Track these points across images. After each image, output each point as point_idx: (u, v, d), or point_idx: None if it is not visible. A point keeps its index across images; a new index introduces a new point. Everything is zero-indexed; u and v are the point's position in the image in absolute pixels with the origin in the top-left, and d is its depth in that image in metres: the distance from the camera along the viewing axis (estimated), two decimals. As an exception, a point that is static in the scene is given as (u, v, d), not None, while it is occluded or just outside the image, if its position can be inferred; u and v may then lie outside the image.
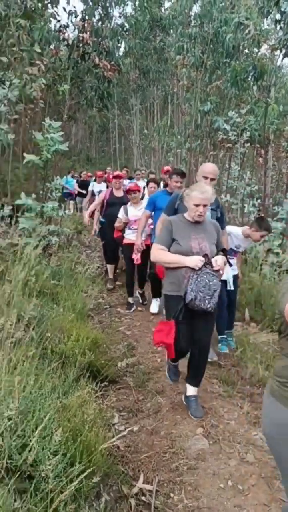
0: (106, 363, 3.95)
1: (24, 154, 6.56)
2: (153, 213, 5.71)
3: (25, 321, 3.29)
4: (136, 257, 5.99)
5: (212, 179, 4.22)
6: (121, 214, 6.41)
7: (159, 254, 3.43)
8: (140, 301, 6.64)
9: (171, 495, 2.82)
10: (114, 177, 7.16)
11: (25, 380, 2.57)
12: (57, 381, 3.08)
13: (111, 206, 6.95)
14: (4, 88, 6.86)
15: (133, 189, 6.43)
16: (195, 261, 3.23)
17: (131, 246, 6.10)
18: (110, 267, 7.52)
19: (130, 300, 6.46)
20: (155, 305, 6.20)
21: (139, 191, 6.58)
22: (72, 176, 16.75)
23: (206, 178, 4.15)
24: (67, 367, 3.42)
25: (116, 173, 7.50)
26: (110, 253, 7.41)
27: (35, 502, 2.00)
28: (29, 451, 2.12)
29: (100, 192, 8.93)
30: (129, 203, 6.54)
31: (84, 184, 13.62)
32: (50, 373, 3.07)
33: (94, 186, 10.22)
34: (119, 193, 7.09)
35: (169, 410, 3.73)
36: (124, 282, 6.99)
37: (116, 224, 6.42)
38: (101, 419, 3.02)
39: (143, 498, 2.74)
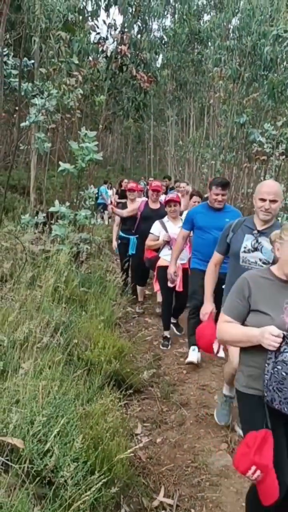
0: (132, 372, 3.93)
1: (60, 163, 6.68)
2: (191, 232, 4.75)
3: (53, 326, 3.32)
4: (176, 282, 5.06)
5: (272, 201, 3.04)
6: (156, 230, 5.55)
7: (226, 329, 2.26)
8: (176, 331, 5.78)
9: (192, 511, 2.77)
10: (152, 189, 6.46)
11: (49, 386, 2.59)
12: (82, 388, 3.09)
13: (146, 220, 6.19)
14: (42, 98, 7.03)
15: (174, 200, 5.45)
16: (269, 336, 2.00)
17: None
18: (140, 290, 6.87)
19: (167, 334, 5.43)
20: (194, 354, 4.66)
21: (179, 203, 5.60)
22: (110, 187, 16.87)
23: (263, 200, 3.04)
24: (92, 375, 3.42)
25: (155, 184, 6.80)
26: (142, 273, 6.70)
27: (53, 509, 2.00)
28: (50, 456, 2.12)
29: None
30: (166, 217, 5.61)
31: (125, 195, 13.20)
32: (75, 379, 3.08)
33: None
34: (155, 205, 6.40)
35: (193, 423, 3.68)
36: (153, 292, 6.84)
37: (150, 243, 5.59)
38: (124, 428, 3.00)
39: (163, 512, 2.71)
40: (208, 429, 3.60)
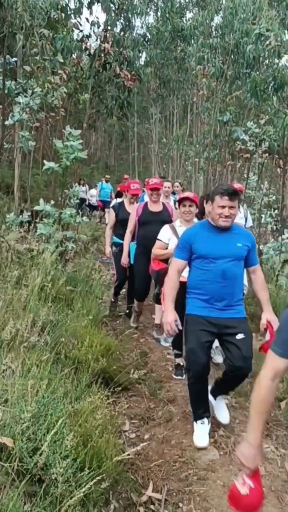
0: (119, 370, 3.96)
1: (44, 161, 6.67)
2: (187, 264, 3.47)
3: (40, 325, 3.33)
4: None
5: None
6: (165, 236, 4.50)
7: None
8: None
9: (180, 504, 2.82)
10: (152, 188, 5.33)
11: (38, 384, 2.61)
12: (70, 386, 3.11)
13: (144, 225, 5.27)
14: (26, 96, 7.00)
15: (190, 198, 4.37)
16: None
17: (182, 285, 3.48)
18: (138, 304, 5.68)
19: (180, 361, 4.46)
20: (203, 433, 3.39)
21: (197, 204, 4.45)
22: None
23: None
24: (80, 373, 3.44)
25: (154, 181, 5.48)
26: (143, 286, 5.48)
27: (44, 506, 2.02)
28: (40, 454, 2.14)
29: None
30: (177, 221, 4.55)
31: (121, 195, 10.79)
32: (63, 378, 3.09)
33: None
34: (156, 207, 5.36)
35: (180, 419, 3.72)
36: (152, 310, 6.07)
37: (157, 252, 4.57)
38: (112, 425, 3.03)
39: (151, 506, 2.74)
40: (195, 425, 3.65)
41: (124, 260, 5.58)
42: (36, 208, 6.48)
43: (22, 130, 7.37)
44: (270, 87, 8.69)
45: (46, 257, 5.11)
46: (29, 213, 6.99)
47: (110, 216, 6.12)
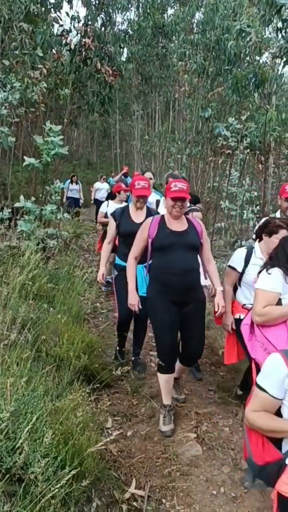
0: (101, 367, 3.94)
1: (24, 157, 6.58)
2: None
3: (20, 323, 3.28)
4: None
5: None
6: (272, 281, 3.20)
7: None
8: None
9: (163, 501, 2.81)
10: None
11: (18, 382, 2.56)
12: (51, 383, 3.07)
13: (162, 251, 3.48)
14: (5, 91, 6.89)
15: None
16: None
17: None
18: (163, 379, 3.63)
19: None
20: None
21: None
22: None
23: None
24: (61, 370, 3.40)
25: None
26: (167, 350, 3.55)
27: (24, 505, 1.98)
28: (20, 453, 2.11)
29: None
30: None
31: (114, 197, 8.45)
32: (44, 375, 3.05)
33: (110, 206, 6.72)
34: (180, 224, 3.52)
35: (163, 415, 3.71)
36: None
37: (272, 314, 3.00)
38: (94, 423, 3.00)
39: (134, 503, 2.73)
40: (178, 420, 3.65)
41: (132, 301, 3.71)
42: (17, 205, 6.40)
43: (1, 126, 7.25)
44: (251, 83, 8.69)
45: (27, 254, 5.04)
46: (10, 210, 6.89)
47: (109, 227, 4.57)
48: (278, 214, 3.96)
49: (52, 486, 2.04)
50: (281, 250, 2.85)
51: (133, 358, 4.63)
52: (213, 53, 11.27)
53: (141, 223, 3.83)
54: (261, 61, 9.80)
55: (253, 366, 2.95)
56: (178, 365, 3.71)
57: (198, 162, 12.67)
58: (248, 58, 10.08)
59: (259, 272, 2.97)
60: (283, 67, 8.69)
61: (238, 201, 8.66)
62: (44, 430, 2.32)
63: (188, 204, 3.98)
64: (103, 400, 3.23)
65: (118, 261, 4.51)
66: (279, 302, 2.77)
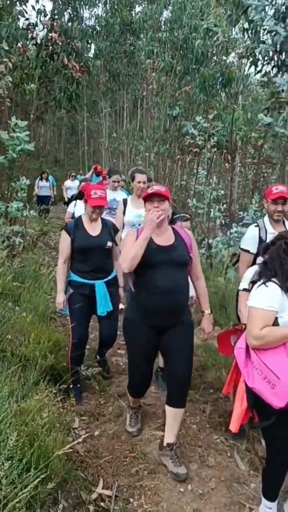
0: (68, 366, 3.88)
1: (-11, 153, 6.43)
2: None
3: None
4: None
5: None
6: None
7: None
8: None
9: (131, 500, 2.79)
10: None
11: (-19, 384, 2.49)
12: (16, 384, 3.00)
13: (146, 269, 2.95)
14: None
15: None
16: None
17: None
18: (133, 401, 3.45)
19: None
20: None
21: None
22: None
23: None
24: (27, 370, 3.33)
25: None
26: (141, 380, 3.24)
27: (-13, 510, 1.92)
28: (-17, 457, 2.04)
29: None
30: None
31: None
32: (9, 376, 2.98)
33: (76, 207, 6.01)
34: (166, 238, 3.04)
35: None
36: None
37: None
38: (61, 423, 2.95)
39: (102, 504, 2.70)
40: (145, 419, 3.64)
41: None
42: (-19, 201, 6.25)
43: None
44: (218, 82, 8.79)
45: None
46: (-26, 207, 6.72)
47: (62, 242, 3.91)
48: (266, 219, 3.59)
49: (17, 489, 1.99)
50: (278, 263, 2.41)
51: (98, 358, 4.44)
52: (181, 51, 11.33)
53: (98, 235, 3.87)
54: (228, 61, 9.90)
55: (244, 396, 2.60)
56: (170, 413, 3.07)
57: (166, 160, 12.71)
58: (215, 57, 10.19)
59: (253, 282, 2.53)
60: (249, 67, 8.82)
61: (205, 200, 8.74)
62: (8, 432, 2.26)
63: (170, 212, 3.35)
64: (70, 400, 3.18)
65: (73, 276, 3.87)
66: (275, 322, 2.35)
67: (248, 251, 3.55)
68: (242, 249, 3.63)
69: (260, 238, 3.52)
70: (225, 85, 8.69)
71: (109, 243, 3.90)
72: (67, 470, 2.67)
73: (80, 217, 4.02)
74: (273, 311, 2.31)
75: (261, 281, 2.40)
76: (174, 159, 12.04)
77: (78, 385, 3.90)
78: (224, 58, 9.71)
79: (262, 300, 2.33)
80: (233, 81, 8.88)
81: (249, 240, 3.59)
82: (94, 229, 3.89)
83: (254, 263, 3.45)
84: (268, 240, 3.21)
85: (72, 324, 3.78)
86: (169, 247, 2.98)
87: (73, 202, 6.42)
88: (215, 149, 9.24)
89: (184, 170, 14.15)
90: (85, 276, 3.82)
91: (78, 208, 5.92)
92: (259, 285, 2.40)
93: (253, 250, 3.53)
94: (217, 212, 8.55)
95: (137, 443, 3.33)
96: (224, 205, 8.84)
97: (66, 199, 14.24)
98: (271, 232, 3.44)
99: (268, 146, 11.68)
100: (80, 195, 6.20)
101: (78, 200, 6.27)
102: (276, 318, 2.32)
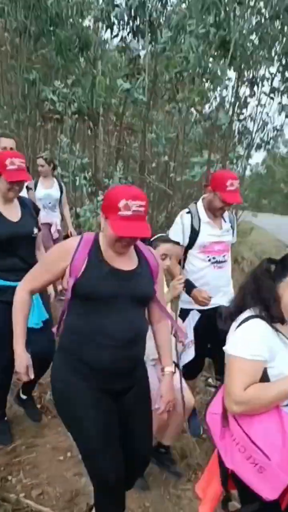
0: None
1: None
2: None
3: None
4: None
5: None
6: None
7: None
8: None
9: (9, 477, 2.74)
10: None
11: None
12: None
13: (90, 302, 1.98)
14: None
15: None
16: None
17: None
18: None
19: None
20: None
21: None
22: None
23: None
24: None
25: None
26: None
27: None
28: None
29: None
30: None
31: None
32: None
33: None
34: (13, 213, 3.00)
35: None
36: None
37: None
38: None
39: (-22, 488, 2.59)
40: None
41: (20, 367, 2.12)
42: None
43: None
44: (75, 46, 8.56)
45: None
46: None
47: None
48: (200, 204, 3.16)
49: None
50: (256, 290, 1.75)
51: (24, 397, 3.34)
52: (34, 11, 10.73)
53: (19, 221, 2.95)
54: (84, 24, 9.66)
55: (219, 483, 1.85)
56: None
57: (27, 129, 12.15)
58: (70, 20, 9.86)
59: (228, 317, 1.83)
60: (105, 31, 8.70)
61: (70, 168, 8.59)
62: None
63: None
64: None
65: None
66: (264, 376, 1.67)
67: (178, 243, 2.99)
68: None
69: (192, 227, 3.09)
70: (83, 49, 8.51)
71: (35, 230, 3.02)
72: None
73: None
74: (261, 360, 1.65)
75: (242, 317, 1.74)
76: (36, 127, 11.55)
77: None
78: (80, 20, 9.45)
79: (246, 346, 1.66)
80: (91, 46, 8.71)
81: (178, 229, 3.09)
82: (12, 212, 2.96)
83: (185, 258, 3.12)
84: (201, 231, 2.94)
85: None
86: (130, 273, 2.01)
87: None
88: (77, 116, 9.06)
89: (47, 139, 13.70)
90: (7, 276, 2.83)
91: None
92: (239, 324, 1.73)
93: (183, 241, 3.07)
94: (82, 181, 8.45)
95: (12, 420, 3.25)
96: (89, 173, 8.80)
97: None
98: (206, 221, 3.11)
99: (129, 113, 11.82)
100: None
101: None
102: (265, 370, 1.67)
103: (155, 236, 2.74)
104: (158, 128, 10.91)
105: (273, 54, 7.96)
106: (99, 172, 9.60)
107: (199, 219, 3.08)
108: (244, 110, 9.26)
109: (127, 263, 2.00)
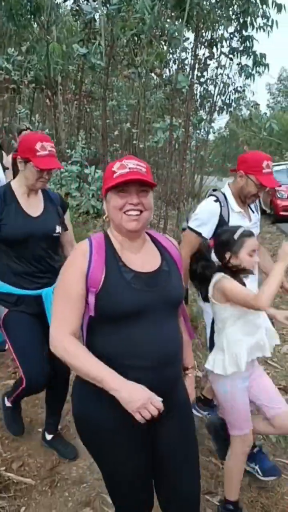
0: None
1: None
2: None
3: None
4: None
5: None
6: None
7: None
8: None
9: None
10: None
11: None
12: None
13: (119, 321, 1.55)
14: None
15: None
16: None
17: None
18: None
19: None
20: None
21: None
22: None
23: None
24: None
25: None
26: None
27: None
28: None
29: None
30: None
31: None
32: None
33: None
34: (34, 206, 2.50)
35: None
36: None
37: None
38: None
39: None
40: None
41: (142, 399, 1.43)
42: None
43: None
44: (26, 11, 8.20)
45: None
46: None
47: None
48: (228, 191, 2.66)
49: None
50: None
51: (49, 437, 2.83)
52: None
53: (40, 216, 2.47)
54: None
55: None
56: None
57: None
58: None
59: None
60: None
61: (30, 140, 8.37)
62: None
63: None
64: None
65: (4, 287, 2.42)
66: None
67: (200, 234, 2.58)
68: (192, 229, 2.64)
69: (221, 217, 2.60)
70: (34, 13, 8.16)
71: (58, 228, 2.52)
72: None
73: (9, 185, 2.52)
74: None
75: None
76: (-8, 98, 11.13)
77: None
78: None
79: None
80: (43, 10, 8.36)
81: (205, 219, 2.62)
82: (33, 206, 2.48)
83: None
84: (231, 223, 2.53)
85: (18, 359, 2.37)
86: (156, 273, 1.62)
87: None
88: (34, 85, 8.77)
89: (5, 110, 13.23)
90: (21, 283, 2.41)
91: None
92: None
93: (207, 233, 2.59)
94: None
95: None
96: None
97: None
98: (238, 211, 2.64)
99: (88, 81, 11.51)
100: None
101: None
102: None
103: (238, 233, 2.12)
104: (119, 95, 10.70)
105: (231, 13, 7.85)
106: (61, 143, 9.38)
107: (229, 209, 2.63)
108: (204, 73, 9.16)
109: (151, 261, 1.62)
